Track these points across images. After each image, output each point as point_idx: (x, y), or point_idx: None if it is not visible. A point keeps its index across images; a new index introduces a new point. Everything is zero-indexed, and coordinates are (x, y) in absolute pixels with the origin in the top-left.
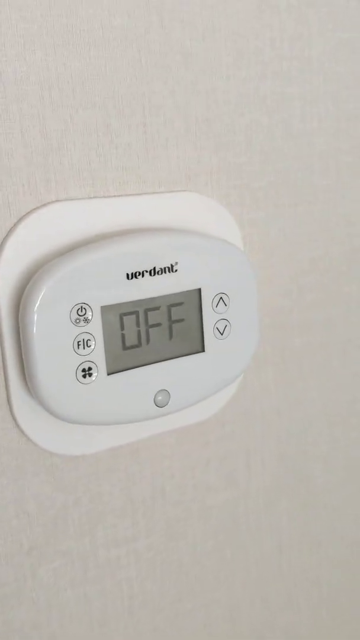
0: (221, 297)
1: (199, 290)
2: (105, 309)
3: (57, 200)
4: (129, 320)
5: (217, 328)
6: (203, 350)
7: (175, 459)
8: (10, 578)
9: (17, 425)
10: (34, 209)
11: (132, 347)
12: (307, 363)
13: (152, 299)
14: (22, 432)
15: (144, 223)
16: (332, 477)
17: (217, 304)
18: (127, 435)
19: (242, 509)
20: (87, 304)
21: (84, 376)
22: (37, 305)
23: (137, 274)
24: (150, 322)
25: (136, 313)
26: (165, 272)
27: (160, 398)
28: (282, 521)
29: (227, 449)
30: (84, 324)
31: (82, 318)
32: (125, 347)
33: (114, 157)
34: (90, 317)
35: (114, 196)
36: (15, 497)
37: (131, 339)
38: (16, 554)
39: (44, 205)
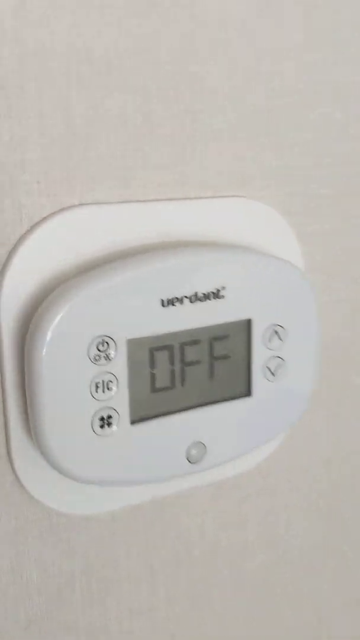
0: (275, 330)
1: (249, 321)
2: (132, 343)
3: (81, 204)
4: (161, 357)
5: (268, 367)
6: (249, 394)
7: (208, 517)
8: None
9: (18, 480)
10: (51, 214)
11: (163, 389)
12: None
13: (191, 331)
14: (23, 487)
15: (186, 235)
16: None
17: (270, 338)
18: (149, 492)
19: (280, 572)
20: (111, 337)
21: (102, 426)
22: (48, 337)
23: (175, 300)
24: (188, 359)
25: (170, 348)
26: (208, 299)
27: (194, 452)
28: (324, 587)
29: (268, 505)
30: (105, 361)
31: (102, 354)
32: (154, 390)
33: (153, 151)
34: (113, 354)
35: (151, 200)
36: (13, 562)
37: (163, 380)
38: (11, 628)
39: (64, 209)
